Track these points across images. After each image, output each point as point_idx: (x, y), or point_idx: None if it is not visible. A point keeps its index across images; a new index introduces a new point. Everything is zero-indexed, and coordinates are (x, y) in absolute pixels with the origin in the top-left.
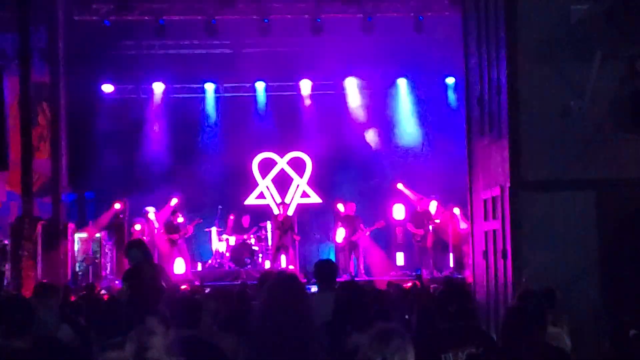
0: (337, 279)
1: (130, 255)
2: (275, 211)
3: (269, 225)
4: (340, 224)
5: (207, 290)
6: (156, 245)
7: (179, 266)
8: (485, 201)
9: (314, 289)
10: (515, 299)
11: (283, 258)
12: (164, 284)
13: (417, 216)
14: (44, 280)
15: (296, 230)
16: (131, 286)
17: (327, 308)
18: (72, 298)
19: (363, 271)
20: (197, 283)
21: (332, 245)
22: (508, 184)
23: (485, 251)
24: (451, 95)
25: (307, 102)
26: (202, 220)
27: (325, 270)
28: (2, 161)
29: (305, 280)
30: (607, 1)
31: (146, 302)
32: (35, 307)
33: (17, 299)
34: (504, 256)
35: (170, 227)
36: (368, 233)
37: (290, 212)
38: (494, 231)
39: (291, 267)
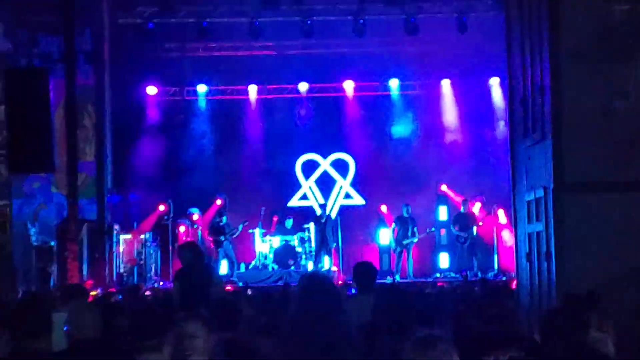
0: (380, 281)
1: (181, 256)
2: (317, 212)
3: (312, 226)
4: (394, 224)
5: (249, 292)
6: (202, 246)
7: (223, 268)
8: (528, 203)
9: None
10: (559, 302)
11: (326, 259)
12: (217, 287)
13: (462, 218)
14: (89, 282)
15: (339, 232)
16: (182, 286)
17: (365, 311)
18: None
19: (410, 273)
20: (240, 284)
21: (379, 247)
22: (552, 186)
23: (529, 253)
24: (495, 96)
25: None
26: (248, 222)
27: (364, 272)
28: (48, 163)
29: (347, 283)
30: None
31: (195, 304)
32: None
33: (34, 300)
34: (548, 258)
35: (216, 229)
36: (415, 240)
37: (332, 214)
38: (538, 233)
39: (334, 268)
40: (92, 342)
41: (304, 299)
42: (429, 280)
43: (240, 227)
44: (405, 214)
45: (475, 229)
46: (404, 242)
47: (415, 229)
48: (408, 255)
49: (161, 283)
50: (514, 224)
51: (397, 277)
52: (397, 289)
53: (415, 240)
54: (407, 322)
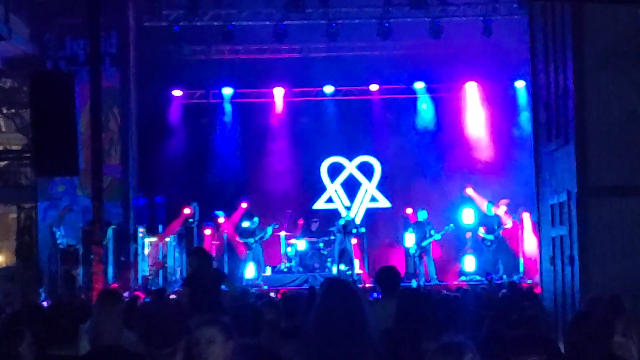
0: (405, 285)
1: (189, 262)
2: (342, 215)
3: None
4: (411, 228)
5: (272, 295)
6: (227, 249)
7: (251, 271)
8: (552, 206)
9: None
10: (583, 306)
11: (357, 262)
12: (228, 291)
13: (488, 221)
14: (114, 285)
15: (364, 234)
16: (191, 291)
17: (389, 315)
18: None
19: (434, 276)
20: (265, 288)
21: (405, 250)
22: (575, 190)
23: (553, 257)
24: (521, 99)
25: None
26: (278, 226)
27: (387, 277)
28: (73, 166)
29: (372, 286)
30: None
31: (205, 308)
32: (98, 314)
33: (63, 307)
34: (571, 262)
35: (247, 231)
36: (431, 240)
37: (358, 216)
38: (562, 237)
39: (359, 271)
40: (110, 348)
41: (324, 304)
42: (454, 283)
43: (270, 229)
44: (420, 218)
45: (501, 231)
46: (423, 244)
47: (432, 231)
48: (428, 258)
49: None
50: (538, 227)
51: (423, 281)
52: (419, 293)
53: (431, 240)
54: (429, 327)
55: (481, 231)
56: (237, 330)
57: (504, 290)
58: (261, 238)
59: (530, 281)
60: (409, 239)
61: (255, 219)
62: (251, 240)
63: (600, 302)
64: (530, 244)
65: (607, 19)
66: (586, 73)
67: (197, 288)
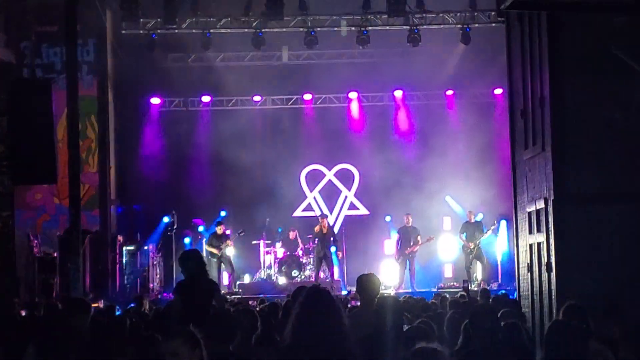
0: (384, 292)
1: (184, 266)
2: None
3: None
4: (398, 235)
5: (252, 303)
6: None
7: (225, 278)
8: (529, 214)
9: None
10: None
11: (335, 269)
12: (215, 302)
13: (469, 228)
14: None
15: (343, 242)
16: (183, 300)
17: (368, 323)
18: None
19: (412, 283)
20: (241, 296)
21: (384, 257)
22: (552, 197)
23: (530, 264)
24: (499, 107)
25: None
26: (244, 232)
27: (367, 284)
28: (51, 175)
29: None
30: None
31: (197, 318)
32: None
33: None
34: (548, 269)
35: (214, 240)
36: (416, 249)
37: (337, 224)
38: (539, 244)
39: (336, 278)
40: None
41: (302, 312)
42: (433, 290)
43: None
44: (406, 224)
45: (481, 239)
46: (407, 252)
47: (418, 238)
48: (412, 265)
49: (164, 294)
50: (515, 235)
51: (408, 288)
52: (397, 301)
53: (417, 249)
54: (406, 334)
55: (462, 238)
56: (212, 338)
57: (482, 298)
58: (227, 246)
59: (508, 288)
60: (388, 247)
61: (219, 230)
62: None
63: (576, 310)
64: (507, 251)
65: (582, 28)
66: (562, 81)
67: (190, 297)
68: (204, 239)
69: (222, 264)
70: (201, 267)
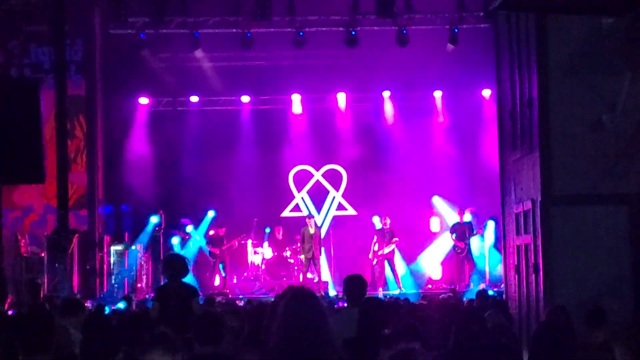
0: (372, 294)
1: (166, 271)
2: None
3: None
4: (375, 237)
5: (240, 304)
6: (195, 257)
7: (217, 279)
8: (517, 215)
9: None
10: (545, 315)
11: (321, 270)
12: (193, 309)
13: (459, 228)
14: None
15: (331, 242)
16: (162, 306)
17: (353, 323)
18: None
19: (399, 284)
20: (231, 296)
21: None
22: (540, 198)
23: (517, 265)
24: (487, 108)
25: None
26: (246, 236)
27: (353, 285)
28: (38, 174)
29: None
30: (629, 16)
31: (176, 326)
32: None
33: (38, 313)
34: (536, 270)
35: (213, 240)
36: (386, 251)
37: (325, 225)
38: (526, 245)
39: (322, 279)
40: (74, 357)
41: (287, 313)
42: (420, 291)
43: (236, 240)
44: (384, 226)
45: (472, 239)
46: (379, 253)
47: (393, 241)
48: (393, 267)
49: (151, 294)
50: (503, 235)
51: (391, 289)
52: (382, 302)
53: (387, 251)
54: (391, 335)
55: (452, 238)
56: (199, 339)
57: (471, 299)
58: (230, 247)
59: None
60: (375, 247)
61: (212, 231)
62: (219, 249)
63: (562, 312)
64: (495, 252)
65: (571, 29)
66: (550, 82)
67: (169, 303)
68: (190, 240)
69: (221, 263)
70: (183, 273)
